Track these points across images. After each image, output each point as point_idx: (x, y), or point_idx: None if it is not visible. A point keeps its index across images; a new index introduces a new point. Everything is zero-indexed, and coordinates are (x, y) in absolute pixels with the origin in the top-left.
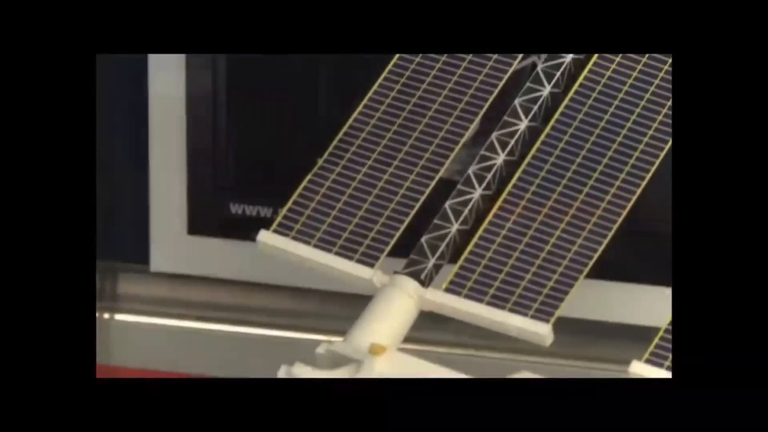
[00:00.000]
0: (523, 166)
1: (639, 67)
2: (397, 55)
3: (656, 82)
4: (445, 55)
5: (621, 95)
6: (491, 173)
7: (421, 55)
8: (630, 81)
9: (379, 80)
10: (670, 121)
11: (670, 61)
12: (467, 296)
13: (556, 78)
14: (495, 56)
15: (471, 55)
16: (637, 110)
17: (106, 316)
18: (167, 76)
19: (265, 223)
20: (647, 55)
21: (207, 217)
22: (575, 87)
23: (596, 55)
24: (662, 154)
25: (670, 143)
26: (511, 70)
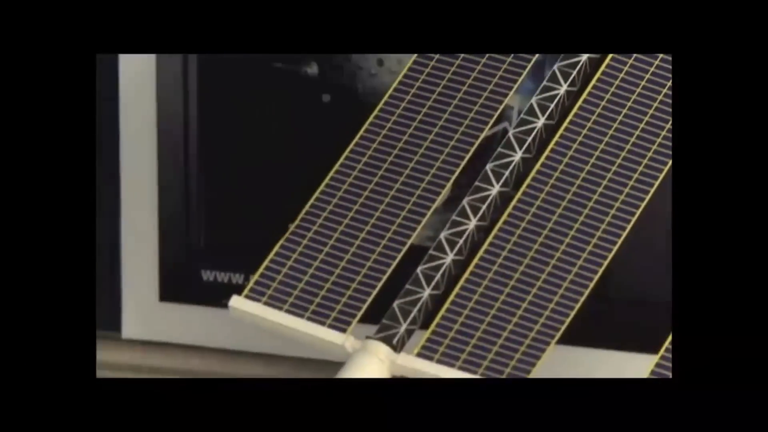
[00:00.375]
0: (494, 231)
1: (610, 132)
2: (374, 115)
3: (623, 154)
4: (423, 114)
5: (592, 160)
6: (463, 238)
7: (403, 106)
8: (601, 146)
9: (349, 148)
10: (638, 192)
11: (636, 132)
12: (439, 361)
13: (527, 143)
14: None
15: (446, 115)
16: (609, 175)
17: None
18: (138, 141)
19: (237, 290)
20: (619, 120)
21: (179, 284)
22: (546, 153)
23: (568, 121)
24: (633, 220)
25: (639, 211)
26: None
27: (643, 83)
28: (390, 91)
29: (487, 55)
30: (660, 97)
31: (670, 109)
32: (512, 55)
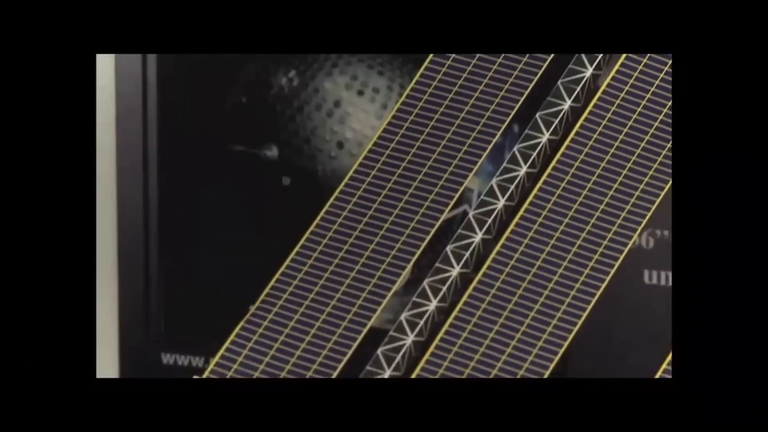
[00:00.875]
0: (455, 312)
1: (570, 213)
2: (334, 197)
3: (583, 235)
4: (383, 196)
5: (552, 242)
6: (423, 319)
7: (363, 188)
8: (561, 228)
9: (309, 230)
10: (599, 273)
11: (596, 213)
12: None
13: (487, 224)
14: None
15: (406, 197)
16: (569, 256)
17: None
18: (98, 222)
19: (197, 373)
20: (579, 202)
21: (138, 367)
22: (506, 234)
23: (528, 202)
24: (593, 301)
25: (599, 293)
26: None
27: (603, 164)
28: (350, 173)
29: (448, 137)
30: (615, 185)
31: (629, 193)
32: (474, 138)
